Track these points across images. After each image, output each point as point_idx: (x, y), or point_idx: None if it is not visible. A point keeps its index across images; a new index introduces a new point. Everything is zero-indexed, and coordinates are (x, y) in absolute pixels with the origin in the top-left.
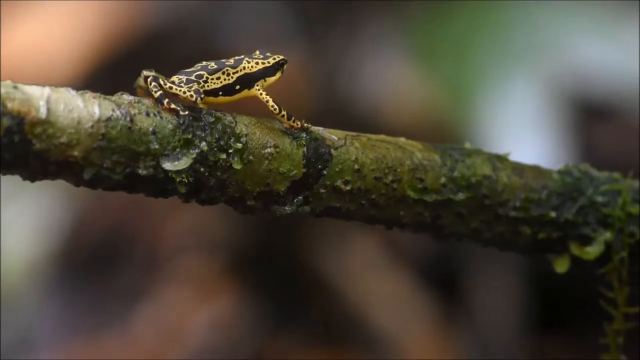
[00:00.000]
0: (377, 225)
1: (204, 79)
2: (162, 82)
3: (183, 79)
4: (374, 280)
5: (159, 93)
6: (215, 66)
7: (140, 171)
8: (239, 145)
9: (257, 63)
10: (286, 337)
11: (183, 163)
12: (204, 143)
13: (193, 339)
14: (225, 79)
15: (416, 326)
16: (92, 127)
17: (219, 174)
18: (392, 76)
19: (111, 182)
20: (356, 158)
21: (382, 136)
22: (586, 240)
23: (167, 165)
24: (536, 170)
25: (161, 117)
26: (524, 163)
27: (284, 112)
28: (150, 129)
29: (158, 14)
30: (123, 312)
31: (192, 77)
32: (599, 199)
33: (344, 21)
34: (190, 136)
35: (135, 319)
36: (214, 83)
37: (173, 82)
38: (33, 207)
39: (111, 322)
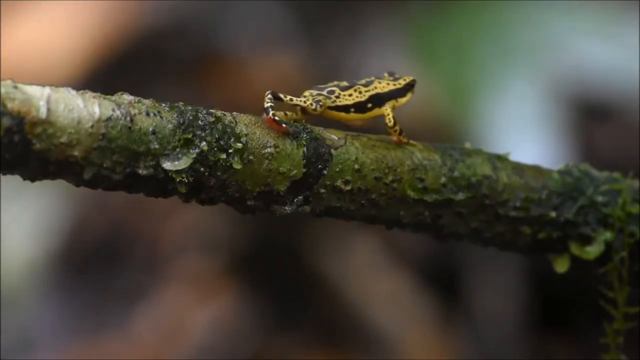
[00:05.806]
0: (377, 225)
1: (336, 94)
2: (282, 96)
3: (314, 93)
4: (374, 280)
5: (268, 104)
6: (347, 84)
7: (140, 171)
8: (239, 145)
9: (387, 84)
10: (286, 337)
11: (183, 163)
12: (204, 143)
13: (193, 339)
14: (357, 96)
15: (416, 326)
16: (92, 127)
17: (219, 173)
18: None
19: (111, 182)
20: (356, 158)
21: (382, 136)
22: (586, 240)
23: (167, 165)
24: (536, 170)
25: (161, 117)
26: (524, 163)
27: (397, 127)
28: (151, 129)
29: (158, 14)
30: (123, 312)
31: (324, 92)
32: (599, 198)
33: (344, 20)
34: (190, 136)
35: (135, 319)
36: (346, 99)
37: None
38: (33, 207)
39: (111, 322)
